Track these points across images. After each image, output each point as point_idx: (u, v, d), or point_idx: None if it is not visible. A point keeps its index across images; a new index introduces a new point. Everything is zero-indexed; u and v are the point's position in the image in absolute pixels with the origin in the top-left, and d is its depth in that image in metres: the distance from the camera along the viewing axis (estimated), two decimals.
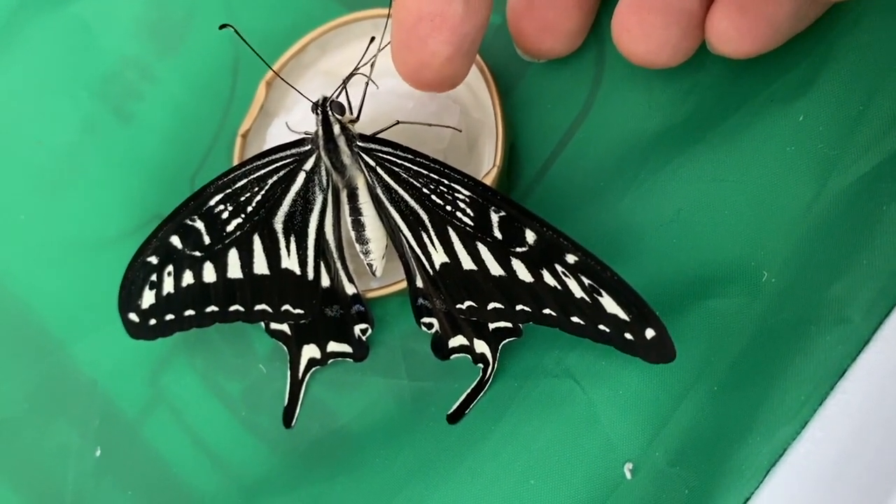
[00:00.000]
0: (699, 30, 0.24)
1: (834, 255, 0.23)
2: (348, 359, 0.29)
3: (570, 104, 0.28)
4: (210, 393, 0.30)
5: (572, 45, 0.27)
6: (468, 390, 0.27)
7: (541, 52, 0.27)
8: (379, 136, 0.25)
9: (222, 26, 0.23)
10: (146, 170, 0.33)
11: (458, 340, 0.27)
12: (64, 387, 0.32)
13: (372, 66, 0.25)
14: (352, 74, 0.24)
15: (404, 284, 0.27)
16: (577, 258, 0.23)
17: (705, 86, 0.26)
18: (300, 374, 0.29)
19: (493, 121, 0.27)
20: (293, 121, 0.28)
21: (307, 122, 0.27)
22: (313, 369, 0.29)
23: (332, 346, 0.29)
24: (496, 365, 0.27)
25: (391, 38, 0.23)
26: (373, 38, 0.24)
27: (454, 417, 0.27)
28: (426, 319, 0.27)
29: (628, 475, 0.24)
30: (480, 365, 0.27)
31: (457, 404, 0.27)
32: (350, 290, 0.28)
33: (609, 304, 0.23)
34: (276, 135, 0.29)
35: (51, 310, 0.33)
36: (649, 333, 0.22)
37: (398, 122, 0.26)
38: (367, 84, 0.25)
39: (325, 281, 0.28)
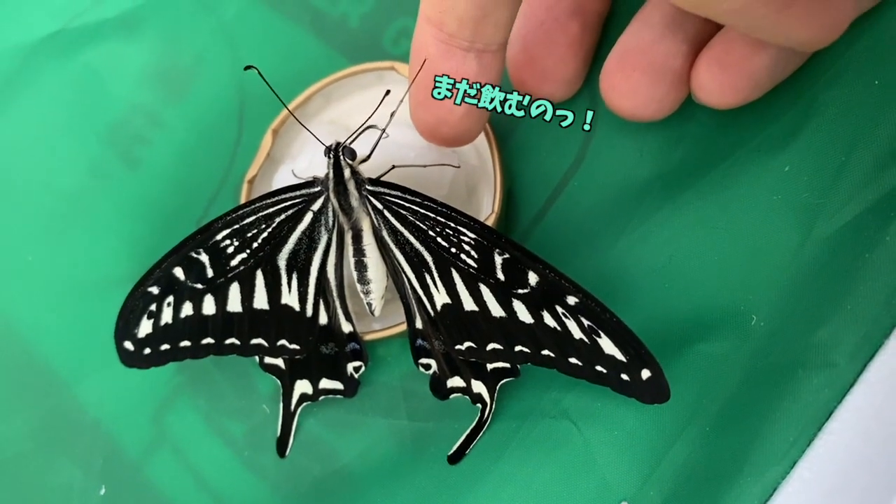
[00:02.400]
0: (684, 85, 0.25)
1: (820, 300, 0.24)
2: (339, 395, 0.30)
3: (565, 152, 0.29)
4: (213, 433, 0.31)
5: (570, 91, 0.28)
6: (468, 430, 0.28)
7: (540, 98, 0.28)
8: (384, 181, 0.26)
9: (247, 67, 0.25)
10: (152, 214, 0.34)
11: (455, 381, 0.28)
12: (68, 426, 0.33)
13: (391, 115, 0.26)
14: (367, 126, 0.25)
15: (405, 326, 0.28)
16: (577, 300, 0.23)
17: (694, 136, 0.27)
18: (292, 408, 0.30)
19: (492, 168, 0.28)
20: (299, 168, 0.29)
21: (312, 169, 0.28)
22: (305, 404, 0.30)
23: (325, 383, 0.30)
24: (494, 405, 0.27)
25: (409, 97, 0.24)
26: (388, 92, 0.26)
27: (455, 458, 0.27)
28: (424, 360, 0.28)
29: None
30: (479, 405, 0.28)
31: (457, 445, 0.27)
32: (347, 328, 0.29)
33: (607, 345, 0.23)
34: (282, 181, 0.30)
35: (56, 350, 0.34)
36: (645, 374, 0.23)
37: (393, 167, 0.27)
38: (381, 133, 0.26)
39: (323, 318, 0.29)
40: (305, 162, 0.30)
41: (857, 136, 0.25)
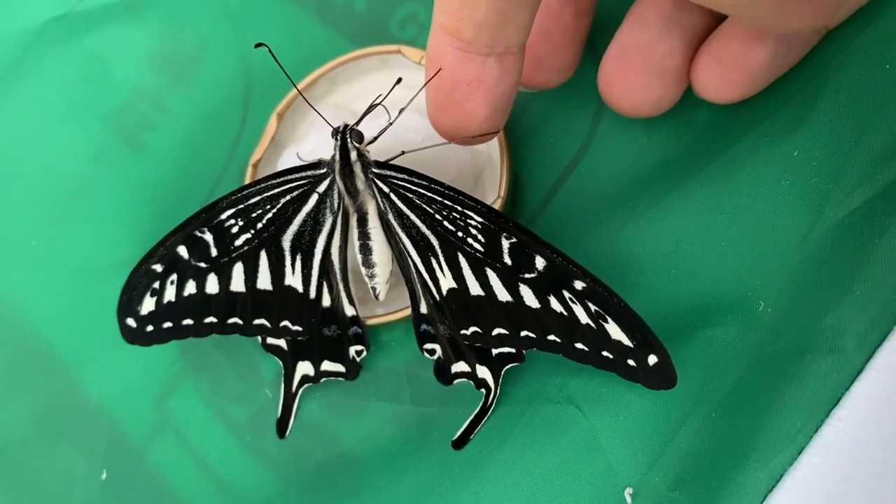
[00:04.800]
0: (682, 82, 0.25)
1: (828, 285, 0.24)
2: (340, 378, 0.30)
3: (572, 138, 0.29)
4: (216, 418, 0.31)
5: (565, 78, 0.28)
6: (472, 416, 0.27)
7: (535, 86, 0.28)
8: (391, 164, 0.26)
9: (258, 45, 0.24)
10: (156, 199, 0.34)
11: (460, 366, 0.28)
12: (70, 411, 0.33)
13: (400, 110, 0.26)
14: (373, 106, 0.25)
15: (409, 311, 0.28)
16: (585, 284, 0.23)
17: (702, 121, 0.27)
18: (293, 389, 0.30)
19: (498, 153, 0.28)
20: (304, 151, 0.29)
21: (317, 153, 0.28)
22: (306, 386, 0.30)
23: (326, 366, 0.30)
24: (498, 391, 0.27)
25: (427, 102, 0.23)
26: (399, 79, 0.25)
27: (459, 443, 0.27)
28: (429, 345, 0.28)
29: (629, 500, 0.24)
30: (483, 391, 0.27)
31: (461, 430, 0.27)
32: (350, 311, 0.29)
33: (614, 330, 0.23)
34: (287, 165, 0.30)
35: (59, 334, 0.34)
36: (652, 359, 0.23)
37: (403, 153, 0.27)
38: (389, 122, 0.25)
39: (326, 301, 0.28)
40: (310, 146, 0.30)
41: (867, 121, 0.24)
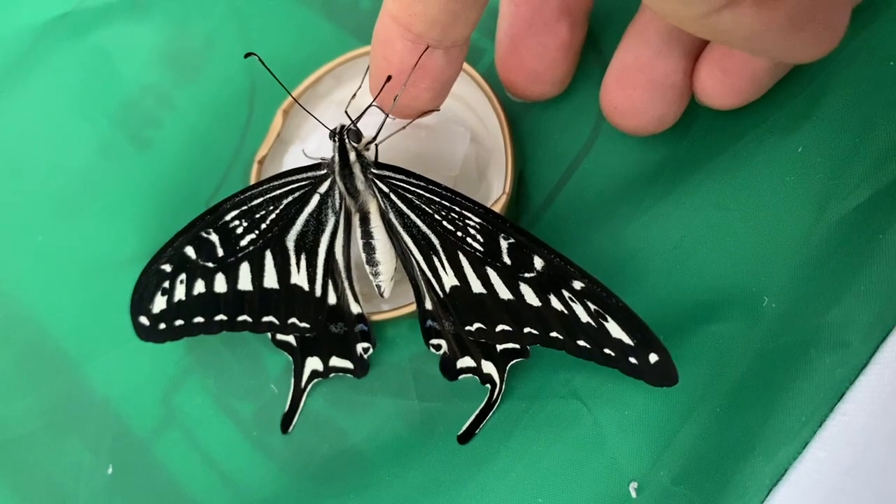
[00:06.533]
0: (685, 97, 0.25)
1: (832, 281, 0.24)
2: (349, 374, 0.30)
3: (577, 135, 0.29)
4: (222, 413, 0.31)
5: (560, 90, 0.28)
6: (477, 411, 0.28)
7: (532, 98, 0.29)
8: (392, 163, 0.26)
9: (247, 55, 0.24)
10: (162, 195, 0.34)
11: (465, 361, 0.28)
12: (77, 405, 0.33)
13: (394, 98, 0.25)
14: (370, 105, 0.25)
15: (414, 307, 0.28)
16: (583, 285, 0.23)
17: (707, 117, 0.27)
18: (302, 384, 0.30)
19: (503, 150, 0.28)
20: (309, 148, 0.29)
21: (323, 150, 0.28)
22: (315, 381, 0.30)
23: (335, 361, 0.30)
24: (504, 386, 0.27)
25: (370, 84, 0.24)
26: (389, 78, 0.25)
27: (465, 438, 0.27)
28: (435, 341, 0.28)
29: (633, 494, 0.25)
30: (488, 386, 0.27)
31: (467, 424, 0.27)
32: (355, 309, 0.29)
33: (614, 329, 0.23)
34: (292, 162, 0.30)
35: (66, 329, 0.34)
36: (653, 358, 0.23)
37: (377, 145, 0.26)
38: (382, 124, 0.25)
39: (332, 298, 0.29)
40: (316, 143, 0.30)
41: (872, 118, 0.25)
